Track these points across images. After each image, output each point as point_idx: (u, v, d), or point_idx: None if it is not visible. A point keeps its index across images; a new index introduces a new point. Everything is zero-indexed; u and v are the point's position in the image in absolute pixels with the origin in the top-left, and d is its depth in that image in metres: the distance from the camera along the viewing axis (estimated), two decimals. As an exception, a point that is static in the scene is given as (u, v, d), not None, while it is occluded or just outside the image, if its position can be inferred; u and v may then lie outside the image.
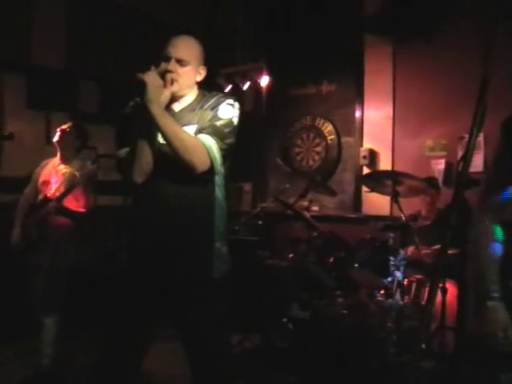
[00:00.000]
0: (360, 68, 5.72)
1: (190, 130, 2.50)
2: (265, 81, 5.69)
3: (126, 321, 2.53)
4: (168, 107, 2.53)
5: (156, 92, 2.38)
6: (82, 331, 4.37)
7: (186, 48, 2.55)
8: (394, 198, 3.90)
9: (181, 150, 2.37)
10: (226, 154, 2.51)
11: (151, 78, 2.39)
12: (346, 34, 5.74)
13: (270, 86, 6.00)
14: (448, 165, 5.07)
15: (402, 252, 3.73)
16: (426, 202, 4.53)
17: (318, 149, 6.04)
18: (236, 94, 5.95)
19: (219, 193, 2.60)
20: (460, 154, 4.97)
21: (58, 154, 4.27)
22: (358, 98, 5.75)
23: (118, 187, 5.61)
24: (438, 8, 5.06)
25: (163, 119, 2.38)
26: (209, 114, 2.52)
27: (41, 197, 4.20)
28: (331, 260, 4.35)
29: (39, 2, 5.43)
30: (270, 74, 5.94)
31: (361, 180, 5.35)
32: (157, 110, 2.37)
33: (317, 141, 6.05)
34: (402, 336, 3.75)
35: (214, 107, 2.53)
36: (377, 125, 5.62)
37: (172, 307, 2.55)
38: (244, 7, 6.51)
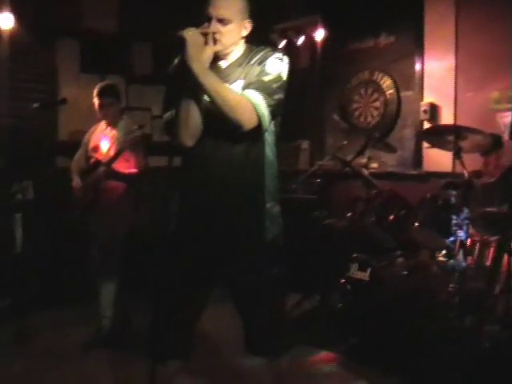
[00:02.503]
0: (420, 18, 5.42)
1: (238, 85, 2.42)
2: (320, 35, 5.49)
3: (179, 283, 2.52)
4: (214, 64, 2.46)
5: (196, 49, 2.30)
6: (141, 293, 4.46)
7: (228, 5, 2.43)
8: (457, 154, 3.72)
9: (226, 107, 2.30)
10: (275, 110, 2.41)
11: (191, 35, 2.31)
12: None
13: (326, 40, 5.80)
14: (515, 118, 4.79)
15: (465, 210, 3.57)
16: (491, 158, 4.31)
17: (377, 104, 5.83)
18: (290, 50, 5.81)
19: (269, 151, 2.53)
20: (528, 105, 4.69)
21: (103, 119, 4.27)
22: (418, 49, 5.47)
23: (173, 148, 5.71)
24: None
25: (205, 77, 2.30)
26: (256, 69, 2.43)
27: (91, 161, 4.23)
28: (391, 219, 4.22)
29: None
30: (326, 27, 5.74)
31: (421, 135, 5.13)
32: (198, 68, 2.29)
33: (375, 96, 5.83)
34: (465, 298, 3.62)
35: (262, 62, 2.43)
36: (438, 77, 5.34)
37: (224, 269, 2.53)
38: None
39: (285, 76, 2.45)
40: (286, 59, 2.47)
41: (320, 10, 5.86)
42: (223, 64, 2.52)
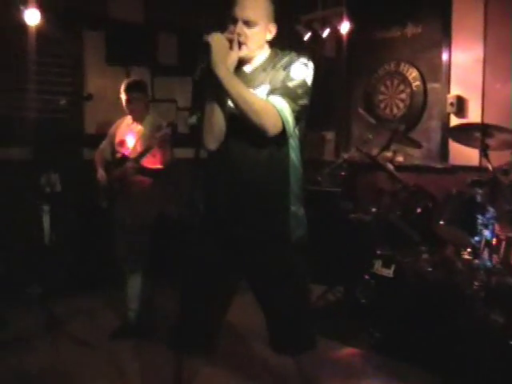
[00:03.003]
0: (448, 7, 5.33)
1: (263, 90, 2.43)
2: (345, 27, 5.44)
3: (205, 279, 2.56)
4: (239, 69, 2.47)
5: (221, 54, 2.31)
6: (168, 283, 4.53)
7: (254, 7, 2.42)
8: (483, 152, 3.68)
9: (250, 113, 2.30)
10: (300, 115, 2.42)
11: (216, 39, 2.31)
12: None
13: (352, 31, 5.73)
14: (545, 111, 4.72)
15: (490, 210, 3.54)
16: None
17: (403, 96, 5.77)
18: (316, 40, 5.77)
19: (294, 155, 2.54)
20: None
21: (129, 114, 4.29)
22: (445, 40, 5.38)
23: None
24: None
25: (230, 82, 2.30)
26: (281, 74, 2.43)
27: (118, 156, 4.27)
28: (416, 214, 4.20)
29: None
30: (352, 17, 5.67)
31: (447, 132, 5.08)
32: (223, 73, 2.29)
33: (401, 87, 5.77)
34: (491, 293, 3.61)
35: (287, 67, 2.43)
36: (466, 69, 5.26)
37: (249, 270, 2.56)
38: None
39: (309, 81, 2.45)
40: (310, 64, 2.47)
41: (346, 1, 5.80)
42: (247, 68, 2.53)
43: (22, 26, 4.75)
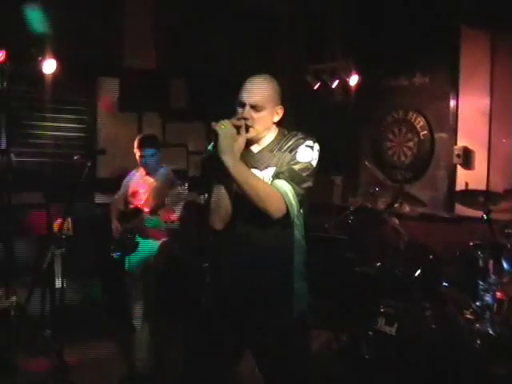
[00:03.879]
0: (455, 60, 5.43)
1: (269, 172, 2.53)
2: (354, 80, 5.55)
3: (209, 355, 2.64)
4: (247, 148, 2.56)
5: (228, 142, 2.40)
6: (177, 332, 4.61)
7: (261, 92, 2.52)
8: (487, 218, 3.75)
9: (255, 198, 2.40)
10: (304, 198, 2.51)
11: (223, 128, 2.40)
12: (442, 24, 5.44)
13: (361, 78, 5.83)
14: (550, 167, 4.78)
15: (492, 277, 3.60)
16: None
17: (410, 144, 5.86)
18: (324, 91, 5.87)
19: (298, 233, 2.63)
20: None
21: (141, 166, 4.38)
22: (453, 91, 5.48)
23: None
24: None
25: (237, 169, 2.40)
26: (287, 157, 2.52)
27: (131, 207, 4.36)
28: (419, 273, 4.26)
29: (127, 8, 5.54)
30: (361, 64, 5.78)
31: (453, 197, 5.20)
32: (230, 161, 2.39)
33: (409, 136, 5.86)
34: (495, 348, 3.67)
35: (293, 149, 2.52)
36: (472, 121, 5.35)
37: (253, 344, 2.64)
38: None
39: (315, 163, 2.53)
40: (316, 146, 2.55)
41: (356, 49, 5.91)
42: (255, 149, 2.61)
43: (40, 76, 4.88)
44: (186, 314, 4.25)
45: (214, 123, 2.43)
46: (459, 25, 5.31)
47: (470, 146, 5.34)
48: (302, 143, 2.53)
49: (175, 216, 4.24)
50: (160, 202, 4.17)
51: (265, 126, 2.57)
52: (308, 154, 2.51)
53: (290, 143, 2.55)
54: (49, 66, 4.87)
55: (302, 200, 2.51)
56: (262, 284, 2.56)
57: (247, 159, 2.53)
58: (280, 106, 2.61)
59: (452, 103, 5.50)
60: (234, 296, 2.59)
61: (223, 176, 2.47)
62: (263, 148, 2.61)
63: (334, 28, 6.03)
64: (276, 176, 2.49)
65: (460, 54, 5.43)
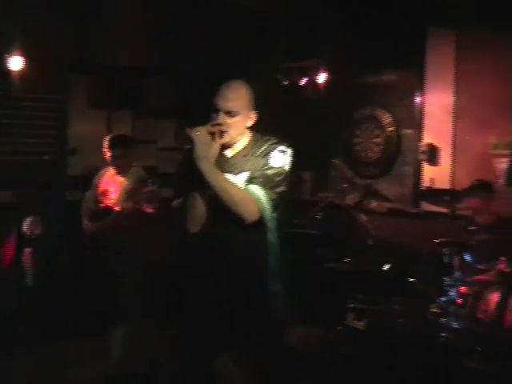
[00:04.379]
0: (421, 59, 5.59)
1: (242, 177, 2.57)
2: (322, 78, 5.63)
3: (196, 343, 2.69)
4: (221, 153, 2.60)
5: (204, 148, 2.45)
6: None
7: (235, 98, 2.56)
8: (452, 214, 3.88)
9: (230, 203, 2.46)
10: (277, 202, 2.57)
11: (199, 135, 2.45)
12: (409, 24, 5.54)
13: (330, 75, 5.91)
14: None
15: (457, 273, 3.73)
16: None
17: (378, 140, 5.98)
18: (293, 86, 5.94)
19: (272, 236, 2.68)
20: (524, 153, 4.84)
21: (112, 166, 4.35)
22: (419, 90, 5.62)
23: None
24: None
25: (212, 175, 2.46)
26: (260, 162, 2.57)
27: (101, 206, 4.36)
28: (387, 268, 4.37)
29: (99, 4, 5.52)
30: (330, 62, 5.86)
31: (418, 196, 5.37)
32: (205, 167, 2.44)
33: (376, 132, 5.99)
34: (459, 341, 3.81)
35: (266, 155, 2.57)
36: (437, 119, 5.50)
37: (230, 344, 2.70)
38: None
39: (287, 167, 2.59)
40: (289, 151, 2.60)
41: (326, 47, 5.99)
42: (228, 153, 2.66)
43: (6, 72, 4.85)
44: (164, 314, 4.29)
45: (189, 129, 2.47)
46: (425, 25, 5.42)
47: (435, 143, 5.49)
48: (274, 148, 2.58)
49: (150, 213, 4.27)
50: (132, 201, 4.18)
51: (238, 132, 2.62)
52: (281, 159, 2.57)
53: (263, 148, 2.60)
54: (15, 63, 4.83)
55: (276, 204, 2.57)
56: (237, 286, 2.62)
57: (221, 164, 2.57)
58: (253, 112, 2.65)
59: (418, 101, 5.63)
60: (210, 297, 2.65)
61: (199, 181, 2.52)
62: (237, 153, 2.66)
63: (304, 27, 6.08)
64: (249, 181, 2.54)
65: (426, 53, 5.56)
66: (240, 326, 2.64)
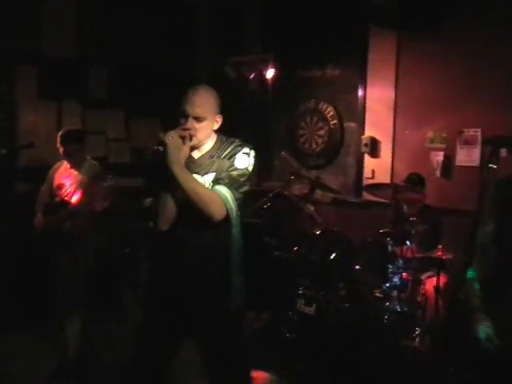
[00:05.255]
0: (364, 56, 5.83)
1: (209, 177, 2.77)
2: (270, 73, 5.83)
3: (155, 337, 2.86)
4: (189, 154, 2.77)
5: (176, 152, 2.63)
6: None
7: (203, 104, 2.73)
8: (395, 206, 4.18)
9: (199, 203, 2.64)
10: (242, 201, 2.78)
11: (172, 140, 2.62)
12: (352, 21, 5.82)
13: (276, 69, 6.09)
14: (446, 157, 5.27)
15: (400, 261, 4.04)
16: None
17: (321, 132, 6.23)
18: (242, 79, 6.11)
19: (236, 231, 2.88)
20: (459, 147, 5.18)
21: (66, 160, 4.41)
22: (361, 84, 5.88)
23: (128, 169, 5.94)
24: (446, 1, 5.16)
25: (184, 178, 2.64)
26: (226, 163, 2.76)
27: (57, 199, 4.42)
28: (333, 257, 4.62)
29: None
30: (276, 55, 6.04)
31: (362, 188, 5.68)
32: (177, 170, 2.62)
33: (320, 124, 6.23)
34: (400, 323, 4.13)
35: (231, 156, 2.77)
36: (378, 113, 5.78)
37: (194, 335, 2.89)
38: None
39: (251, 168, 2.79)
40: (252, 153, 2.80)
41: (272, 41, 6.18)
42: (196, 155, 2.84)
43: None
44: (117, 304, 4.40)
45: (162, 134, 2.64)
46: (368, 23, 5.68)
47: (376, 136, 5.78)
48: (239, 150, 2.77)
49: (101, 206, 4.36)
50: (87, 194, 4.26)
51: (206, 135, 2.80)
52: (245, 160, 2.77)
53: (229, 150, 2.79)
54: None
55: (240, 202, 2.77)
56: (203, 279, 2.80)
57: (189, 165, 2.75)
58: (219, 115, 2.84)
59: (360, 95, 5.90)
60: (176, 291, 2.82)
61: (169, 182, 2.69)
62: (203, 154, 2.83)
63: (251, 21, 6.27)
64: (216, 181, 2.73)
65: (368, 50, 5.82)
66: (203, 317, 2.83)
